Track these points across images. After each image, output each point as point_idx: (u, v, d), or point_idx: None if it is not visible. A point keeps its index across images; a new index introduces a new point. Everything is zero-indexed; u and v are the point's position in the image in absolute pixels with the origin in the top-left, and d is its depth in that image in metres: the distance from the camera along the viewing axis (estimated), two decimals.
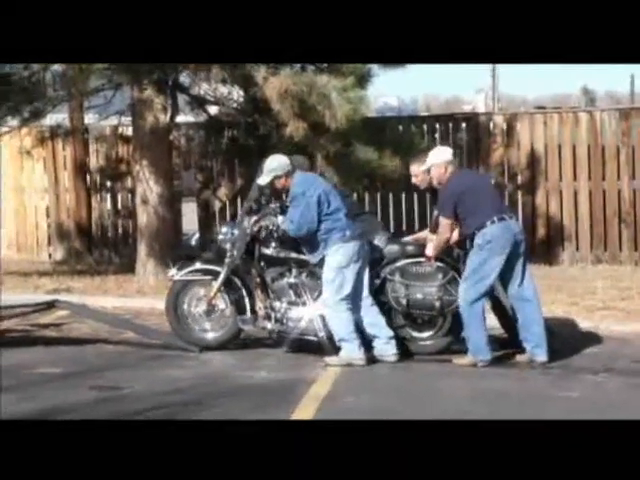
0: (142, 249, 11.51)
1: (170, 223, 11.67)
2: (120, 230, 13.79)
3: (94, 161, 13.78)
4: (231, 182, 13.17)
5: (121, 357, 7.84)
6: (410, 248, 7.79)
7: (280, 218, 7.66)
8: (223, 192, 13.21)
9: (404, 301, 7.57)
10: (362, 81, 10.70)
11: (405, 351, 7.63)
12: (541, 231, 12.62)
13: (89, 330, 8.75)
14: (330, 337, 7.57)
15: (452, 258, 7.66)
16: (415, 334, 7.75)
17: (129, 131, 12.54)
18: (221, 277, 7.86)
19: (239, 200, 12.73)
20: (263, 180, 7.65)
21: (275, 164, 7.60)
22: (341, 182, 11.20)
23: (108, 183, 13.80)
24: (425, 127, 13.03)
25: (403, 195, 12.72)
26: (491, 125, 12.93)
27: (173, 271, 8.22)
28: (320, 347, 7.63)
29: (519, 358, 7.44)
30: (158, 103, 10.77)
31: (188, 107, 12.21)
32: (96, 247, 13.76)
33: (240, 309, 7.90)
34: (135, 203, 12.02)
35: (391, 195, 12.80)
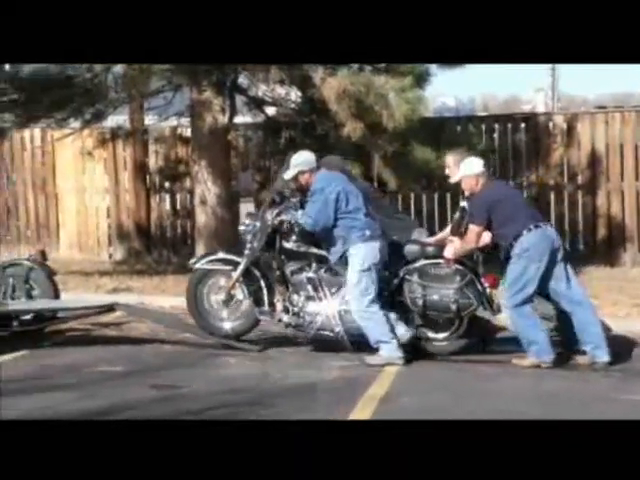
0: (200, 249, 11.59)
1: (228, 223, 11.73)
2: (179, 230, 13.91)
3: (153, 162, 13.92)
4: None
5: (179, 357, 7.90)
6: (429, 249, 7.79)
7: (300, 212, 7.72)
8: None
9: (420, 302, 7.58)
10: (420, 81, 10.66)
11: (422, 351, 7.64)
12: (602, 232, 12.44)
13: (147, 330, 8.84)
14: (347, 333, 7.62)
15: (472, 261, 7.66)
16: (431, 334, 7.75)
17: (188, 132, 12.64)
18: (240, 268, 7.94)
19: None
20: (288, 174, 7.72)
21: (301, 159, 7.70)
22: (398, 182, 11.20)
23: (167, 184, 13.92)
24: (483, 127, 12.93)
25: (461, 195, 12.62)
26: (551, 125, 12.78)
27: (194, 259, 8.33)
28: (338, 343, 7.67)
29: (580, 360, 7.35)
30: (217, 104, 10.84)
31: (246, 108, 12.27)
32: (155, 247, 13.90)
33: (258, 301, 7.99)
34: (193, 203, 12.13)
35: (449, 195, 12.72)
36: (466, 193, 7.68)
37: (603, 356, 7.24)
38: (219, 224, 11.59)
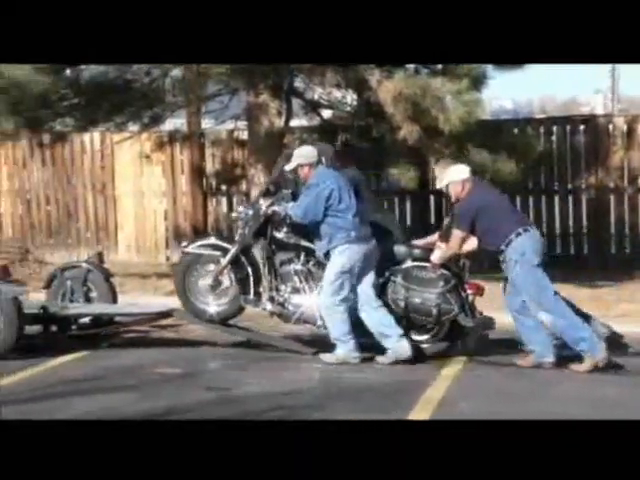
0: None
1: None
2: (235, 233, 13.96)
3: (210, 165, 14.02)
4: None
5: (235, 359, 7.94)
6: (417, 251, 7.86)
7: (291, 204, 7.82)
8: None
9: (402, 304, 7.66)
10: (477, 84, 10.58)
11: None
12: None
13: (204, 332, 8.88)
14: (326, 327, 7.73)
15: (457, 266, 7.72)
16: (412, 336, 7.79)
17: (244, 135, 12.71)
18: (229, 254, 8.06)
19: None
20: (289, 166, 7.89)
21: (302, 153, 7.88)
22: None
23: (224, 186, 14.01)
24: (541, 130, 12.80)
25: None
26: (610, 127, 12.60)
27: (185, 243, 8.54)
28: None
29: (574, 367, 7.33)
30: (273, 107, 10.89)
31: (302, 111, 12.31)
32: None
33: (244, 288, 8.08)
34: None
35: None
36: (452, 199, 7.77)
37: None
38: None
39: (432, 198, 12.86)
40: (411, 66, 10.77)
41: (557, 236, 12.53)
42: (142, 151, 13.55)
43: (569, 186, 12.57)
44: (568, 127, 12.74)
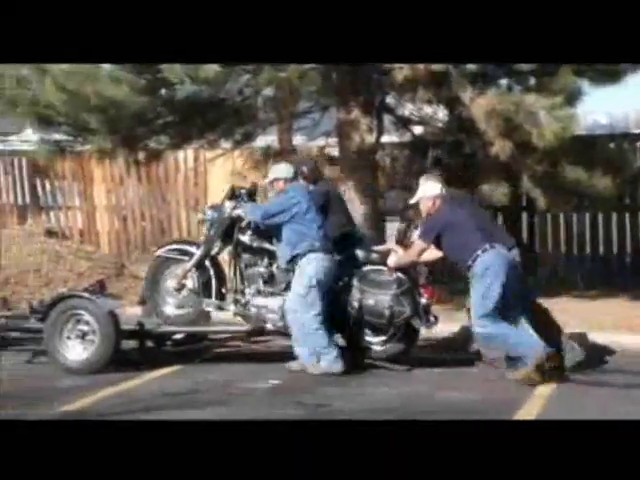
0: None
1: (374, 242, 11.73)
2: None
3: None
4: None
5: (324, 374, 7.93)
6: (375, 256, 8.04)
7: (249, 205, 8.13)
8: None
9: (356, 305, 7.80)
10: (572, 99, 10.41)
11: (362, 356, 7.91)
12: None
13: None
14: (286, 329, 7.88)
15: (415, 270, 7.86)
16: (368, 339, 7.94)
17: (335, 152, 12.74)
18: (194, 258, 8.27)
19: None
20: (266, 180, 8.32)
21: (280, 168, 8.30)
22: (548, 202, 10.95)
23: None
24: (638, 144, 12.51)
25: (614, 215, 12.28)
26: None
27: (157, 247, 8.90)
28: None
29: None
30: (364, 124, 10.91)
31: (393, 127, 12.29)
32: None
33: (207, 292, 8.25)
34: None
35: (601, 215, 12.38)
36: (422, 214, 7.91)
37: None
38: None
39: (525, 214, 12.70)
40: (504, 82, 10.68)
41: None
42: (234, 168, 13.69)
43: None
44: None
